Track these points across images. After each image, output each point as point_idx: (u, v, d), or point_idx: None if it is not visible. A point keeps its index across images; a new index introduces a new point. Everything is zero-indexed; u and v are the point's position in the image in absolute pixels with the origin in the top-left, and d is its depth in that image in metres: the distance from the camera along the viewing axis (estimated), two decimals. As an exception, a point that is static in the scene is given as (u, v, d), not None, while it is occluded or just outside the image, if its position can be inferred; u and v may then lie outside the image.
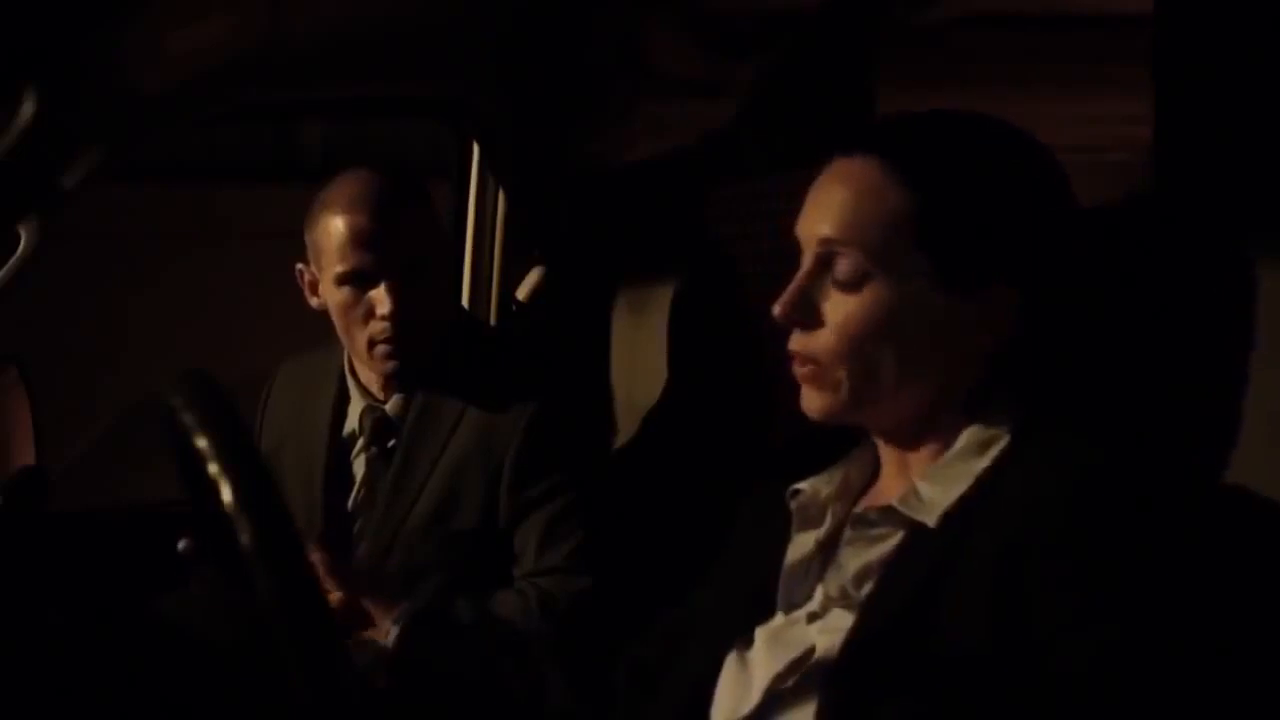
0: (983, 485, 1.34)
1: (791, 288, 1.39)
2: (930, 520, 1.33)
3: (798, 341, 1.39)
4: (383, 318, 2.25)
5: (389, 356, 2.28)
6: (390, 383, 2.34)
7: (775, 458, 1.58)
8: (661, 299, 2.69)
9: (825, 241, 1.37)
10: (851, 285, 1.36)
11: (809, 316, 1.38)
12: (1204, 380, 1.54)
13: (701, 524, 2.59)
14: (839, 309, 1.36)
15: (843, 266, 1.36)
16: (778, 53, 2.76)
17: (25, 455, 2.06)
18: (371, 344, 2.28)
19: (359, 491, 2.37)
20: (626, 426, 2.74)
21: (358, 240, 2.24)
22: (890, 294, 1.35)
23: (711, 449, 2.65)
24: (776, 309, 1.39)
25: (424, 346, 2.30)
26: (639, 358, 2.75)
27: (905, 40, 2.72)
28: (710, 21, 2.78)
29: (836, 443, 1.50)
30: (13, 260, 2.23)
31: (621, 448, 2.72)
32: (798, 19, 2.71)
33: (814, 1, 2.69)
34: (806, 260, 1.39)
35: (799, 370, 1.39)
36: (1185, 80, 1.83)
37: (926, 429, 1.40)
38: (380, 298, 2.25)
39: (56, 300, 3.39)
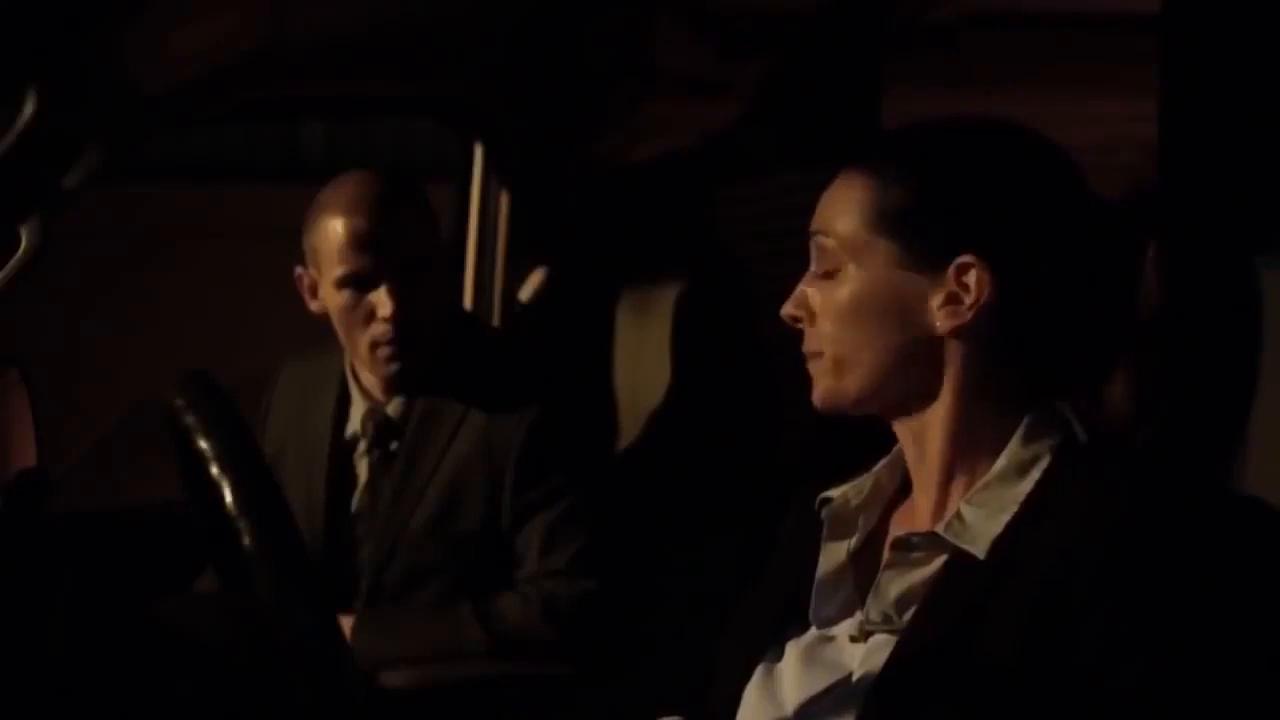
0: (1026, 511, 1.34)
1: (797, 288, 1.44)
2: (979, 551, 1.33)
3: (804, 339, 1.44)
4: (384, 320, 2.25)
5: (391, 359, 2.28)
6: (392, 385, 2.34)
7: (804, 463, 1.59)
8: (665, 300, 2.69)
9: (813, 237, 1.43)
10: (828, 274, 1.41)
11: (802, 310, 1.43)
12: (1211, 381, 1.53)
13: (704, 526, 2.59)
14: (820, 298, 1.42)
15: (824, 255, 1.42)
16: (783, 52, 2.75)
17: (25, 456, 2.05)
18: (373, 346, 2.27)
19: (362, 494, 2.37)
20: (629, 429, 2.74)
21: (357, 242, 2.24)
22: (861, 279, 1.39)
23: (714, 451, 2.65)
24: (783, 310, 1.44)
25: (425, 348, 2.30)
26: (642, 359, 2.74)
27: (910, 39, 2.72)
28: (715, 21, 2.78)
29: (860, 444, 1.49)
30: (13, 260, 2.22)
31: (624, 450, 2.71)
32: (802, 19, 2.70)
33: (818, 1, 2.69)
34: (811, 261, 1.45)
35: (808, 366, 1.44)
36: (1191, 80, 1.83)
37: (953, 431, 1.39)
38: (381, 300, 2.24)
39: (56, 300, 3.38)
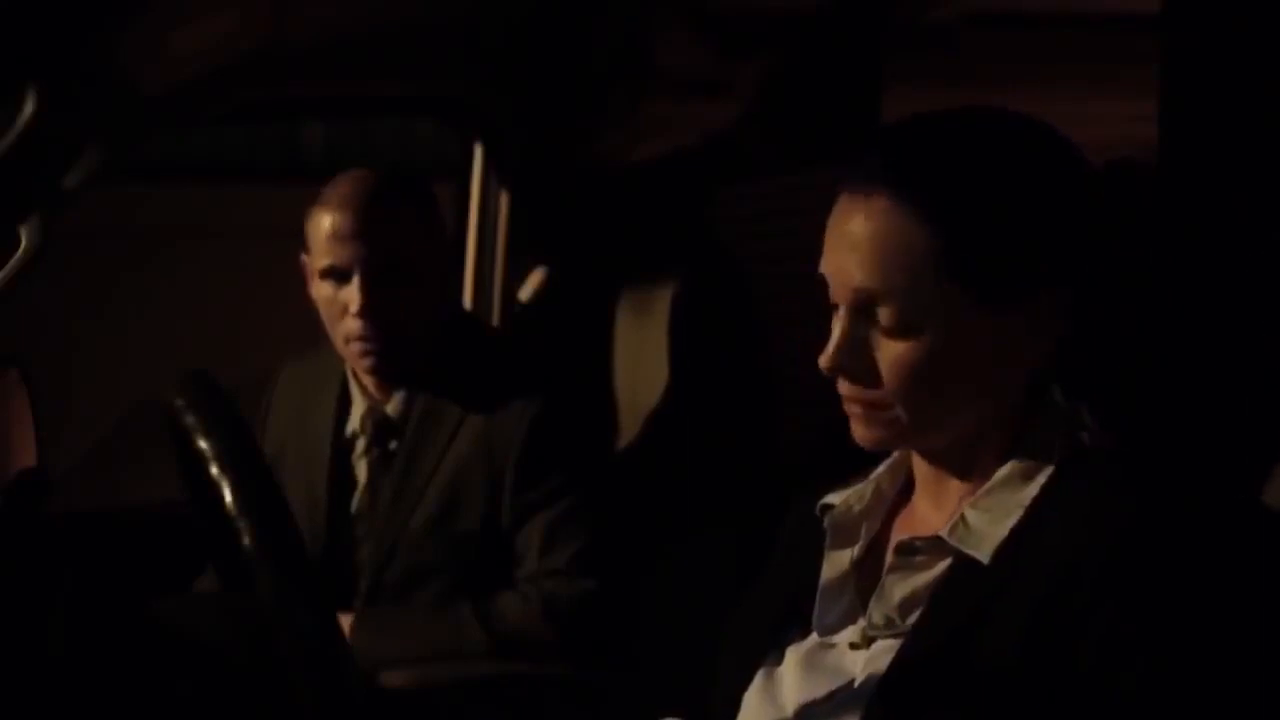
0: (1031, 516, 1.32)
1: (835, 340, 1.35)
2: (983, 556, 1.32)
3: (848, 388, 1.36)
4: (354, 315, 2.26)
5: (362, 355, 2.29)
6: (380, 382, 2.34)
7: (804, 463, 1.55)
8: (665, 300, 2.69)
9: (859, 292, 1.33)
10: (897, 334, 1.32)
11: (857, 366, 1.34)
12: (1208, 381, 1.53)
13: (704, 526, 2.59)
14: (887, 355, 1.33)
15: (884, 317, 1.32)
16: (783, 52, 2.75)
17: (25, 456, 2.05)
18: (346, 341, 2.29)
19: (361, 494, 2.37)
20: (629, 428, 2.74)
21: (335, 236, 2.27)
22: (938, 334, 1.31)
23: (714, 451, 2.65)
24: (823, 362, 1.35)
25: (407, 347, 2.30)
26: (642, 359, 2.74)
27: (910, 39, 2.72)
28: (715, 21, 2.78)
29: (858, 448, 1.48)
30: (13, 260, 2.22)
31: (624, 449, 2.71)
32: (802, 19, 2.70)
33: (818, 1, 2.69)
34: (842, 308, 1.35)
35: (851, 409, 1.36)
36: (1191, 80, 1.83)
37: (972, 444, 1.38)
38: (351, 295, 2.26)
39: (56, 300, 3.38)
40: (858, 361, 1.33)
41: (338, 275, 2.27)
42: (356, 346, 2.29)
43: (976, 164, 1.32)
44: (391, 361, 2.30)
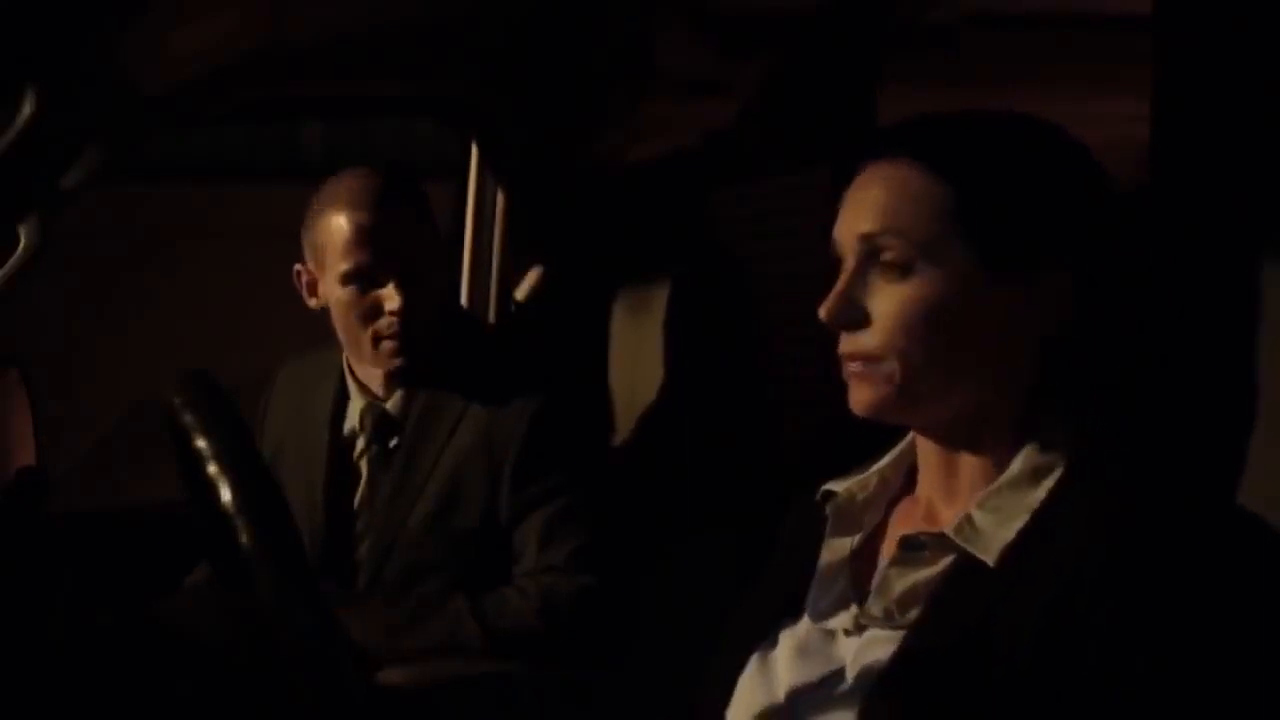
0: (1038, 520, 1.33)
1: (836, 289, 1.37)
2: (989, 558, 1.32)
3: (847, 343, 1.37)
4: (390, 314, 2.25)
5: (395, 353, 2.28)
6: (392, 380, 2.34)
7: (804, 463, 1.56)
8: (663, 299, 2.69)
9: (866, 237, 1.36)
10: (898, 276, 1.34)
11: (856, 316, 1.36)
12: (1204, 383, 1.53)
13: (703, 525, 2.59)
14: (887, 301, 1.35)
15: (887, 257, 1.34)
16: (783, 52, 2.76)
17: (25, 456, 2.06)
18: (377, 341, 2.28)
19: (361, 490, 2.37)
20: (627, 427, 2.74)
21: (362, 238, 2.24)
22: (938, 282, 1.33)
23: (713, 450, 2.65)
24: (822, 312, 1.37)
25: (427, 344, 2.30)
26: (640, 358, 2.74)
27: (910, 39, 2.72)
28: (715, 21, 2.78)
29: (860, 444, 1.48)
30: (13, 260, 2.22)
31: (622, 448, 2.72)
32: (802, 19, 2.71)
33: (818, 1, 2.69)
34: (848, 261, 1.37)
35: (849, 369, 1.37)
36: (1186, 80, 1.83)
37: (977, 433, 1.38)
38: (388, 295, 2.25)
39: (56, 300, 3.38)
40: (856, 310, 1.36)
41: (363, 277, 2.26)
42: (390, 345, 2.28)
43: (990, 141, 1.36)
44: (415, 359, 2.30)
